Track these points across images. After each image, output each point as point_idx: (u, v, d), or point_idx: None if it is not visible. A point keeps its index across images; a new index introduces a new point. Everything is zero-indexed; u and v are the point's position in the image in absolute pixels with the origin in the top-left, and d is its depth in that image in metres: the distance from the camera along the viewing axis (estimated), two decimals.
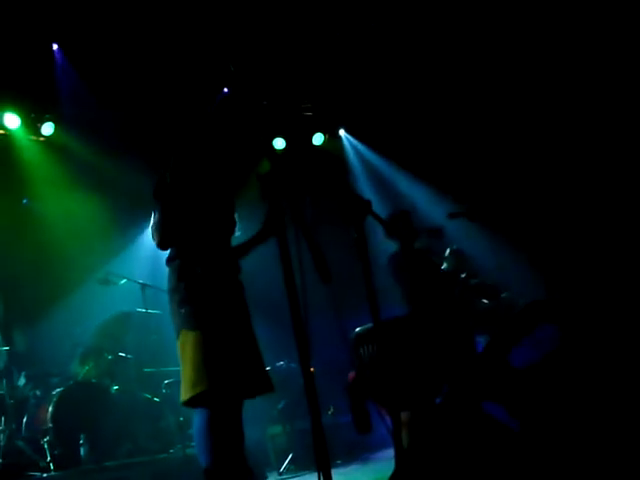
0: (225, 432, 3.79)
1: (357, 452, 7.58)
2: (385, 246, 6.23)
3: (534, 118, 8.25)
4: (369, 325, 3.82)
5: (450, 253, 7.35)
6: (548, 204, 7.95)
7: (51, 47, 8.24)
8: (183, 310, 3.88)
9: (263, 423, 7.89)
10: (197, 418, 3.83)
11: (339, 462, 7.18)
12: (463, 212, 6.08)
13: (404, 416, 4.08)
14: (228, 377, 3.76)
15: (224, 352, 3.79)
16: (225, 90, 8.91)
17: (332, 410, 8.10)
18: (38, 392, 7.19)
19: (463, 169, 8.88)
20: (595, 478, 3.03)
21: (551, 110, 8.09)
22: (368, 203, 3.83)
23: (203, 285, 3.91)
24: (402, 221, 6.12)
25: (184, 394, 3.81)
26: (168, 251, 4.03)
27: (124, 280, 7.84)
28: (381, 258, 5.90)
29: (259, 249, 4.14)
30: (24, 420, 6.95)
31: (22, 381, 7.27)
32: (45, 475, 6.32)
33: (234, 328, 3.91)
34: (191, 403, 3.82)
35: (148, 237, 9.37)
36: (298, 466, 7.39)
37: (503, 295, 7.42)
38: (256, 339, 4.02)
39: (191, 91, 8.11)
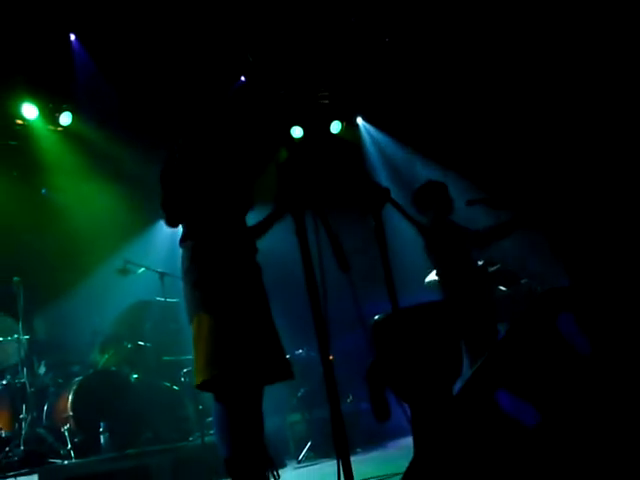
0: (243, 420, 3.76)
1: (376, 440, 7.60)
2: (404, 234, 6.20)
3: (555, 104, 8.16)
4: (388, 312, 3.80)
5: None
6: (570, 189, 7.87)
7: (68, 37, 8.24)
8: (197, 293, 3.81)
9: (282, 411, 7.92)
10: (216, 406, 3.83)
11: (358, 450, 7.19)
12: (482, 199, 6.00)
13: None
14: (242, 362, 3.70)
15: (239, 336, 3.72)
16: (242, 79, 8.93)
17: (351, 398, 8.11)
18: (59, 380, 7.25)
19: (483, 155, 8.80)
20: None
21: (571, 95, 8.00)
22: (386, 191, 3.81)
23: (217, 267, 3.82)
24: (434, 192, 5.96)
25: (197, 378, 3.80)
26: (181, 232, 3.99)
27: (142, 269, 7.87)
28: (399, 246, 5.85)
29: (275, 235, 4.09)
30: (45, 408, 7.03)
31: (42, 370, 7.34)
32: (66, 462, 6.37)
33: (250, 312, 3.82)
34: (204, 387, 3.81)
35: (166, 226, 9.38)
36: (317, 454, 7.42)
37: (522, 282, 7.36)
38: (274, 324, 3.93)
39: (209, 82, 8.10)
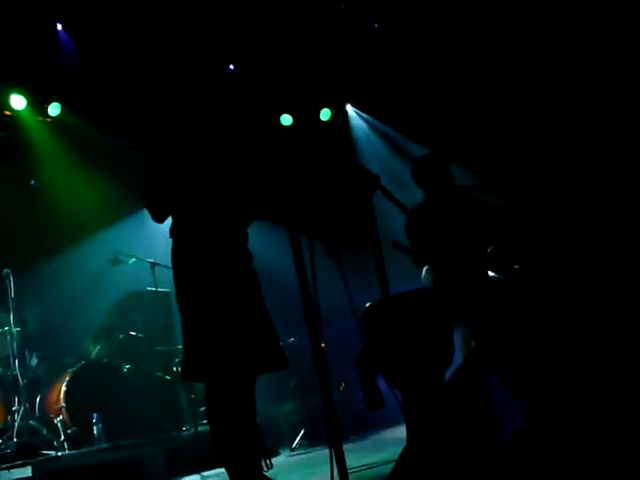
0: (235, 409, 3.75)
1: (369, 428, 7.61)
2: (394, 220, 6.15)
3: (548, 90, 8.12)
4: (379, 299, 3.80)
5: None
6: (563, 178, 7.84)
7: (55, 27, 8.19)
8: (183, 285, 3.81)
9: (276, 400, 7.93)
10: (207, 395, 3.82)
11: (351, 438, 7.20)
12: (475, 185, 5.92)
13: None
14: (226, 355, 3.69)
15: (222, 328, 3.71)
16: (231, 67, 8.88)
17: (343, 386, 8.11)
18: (51, 372, 7.25)
19: (474, 141, 8.75)
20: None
21: (566, 83, 7.96)
22: (377, 178, 3.80)
23: (203, 259, 3.80)
24: (428, 167, 5.65)
25: (183, 372, 3.86)
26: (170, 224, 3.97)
27: (133, 259, 7.85)
28: (389, 232, 5.78)
29: (265, 223, 4.05)
30: (37, 400, 7.03)
31: (34, 361, 7.33)
32: (59, 454, 6.37)
33: (237, 302, 3.79)
34: (190, 379, 3.88)
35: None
36: (310, 442, 7.43)
37: (515, 268, 7.32)
38: (266, 312, 3.91)
39: (198, 69, 8.04)
